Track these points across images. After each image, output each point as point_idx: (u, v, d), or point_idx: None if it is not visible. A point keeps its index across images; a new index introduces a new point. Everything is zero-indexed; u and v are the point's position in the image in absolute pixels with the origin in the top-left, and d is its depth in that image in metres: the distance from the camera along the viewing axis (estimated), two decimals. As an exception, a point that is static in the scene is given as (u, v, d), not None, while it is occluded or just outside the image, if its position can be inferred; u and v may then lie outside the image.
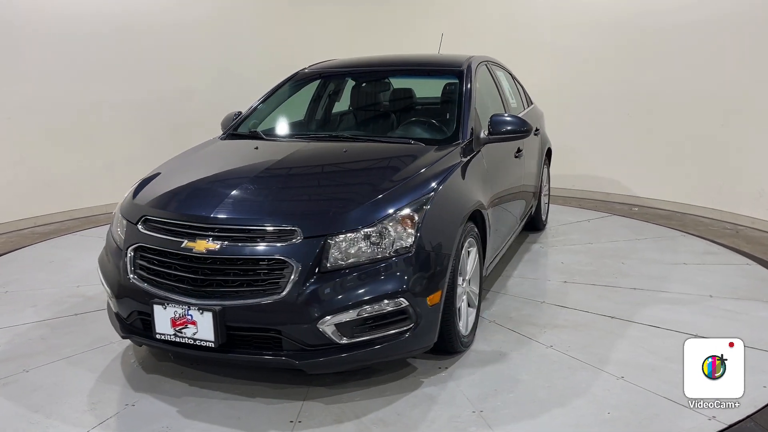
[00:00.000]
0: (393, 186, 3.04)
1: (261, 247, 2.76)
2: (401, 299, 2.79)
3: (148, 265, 2.94)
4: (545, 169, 5.84)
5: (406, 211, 2.91)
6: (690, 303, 4.02)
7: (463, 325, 3.33)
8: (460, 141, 3.66)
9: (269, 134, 4.13)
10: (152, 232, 2.99)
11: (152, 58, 7.12)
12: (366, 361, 2.91)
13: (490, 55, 5.07)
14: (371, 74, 4.70)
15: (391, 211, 2.89)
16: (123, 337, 3.08)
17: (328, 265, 2.73)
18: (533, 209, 5.39)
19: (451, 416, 2.76)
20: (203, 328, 2.73)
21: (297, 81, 4.58)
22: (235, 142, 4.05)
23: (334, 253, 2.75)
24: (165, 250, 2.89)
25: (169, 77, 7.27)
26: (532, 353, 3.36)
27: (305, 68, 4.70)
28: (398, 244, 2.84)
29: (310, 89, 4.64)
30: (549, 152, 5.96)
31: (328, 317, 2.70)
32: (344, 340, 2.76)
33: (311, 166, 3.51)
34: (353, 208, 2.87)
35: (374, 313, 2.76)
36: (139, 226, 3.04)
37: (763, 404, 2.85)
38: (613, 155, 7.25)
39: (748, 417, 2.76)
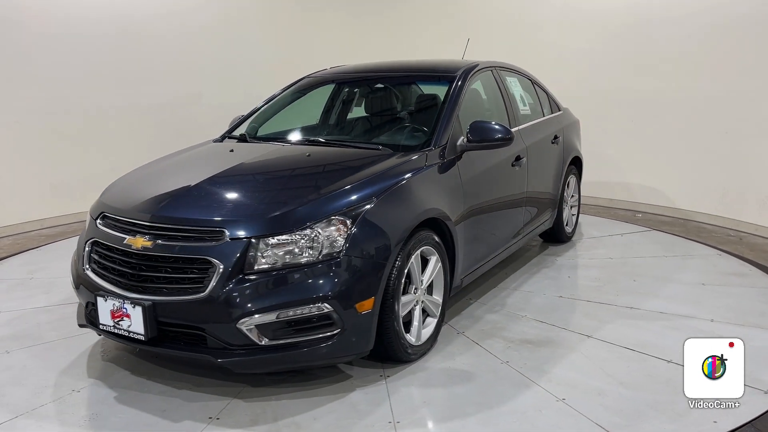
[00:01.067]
0: (331, 191, 3.05)
1: (189, 246, 2.86)
2: (324, 305, 2.79)
3: (99, 259, 3.11)
4: (572, 179, 5.61)
5: (338, 216, 2.92)
6: (683, 328, 3.73)
7: (415, 334, 3.28)
8: (431, 148, 3.61)
9: (257, 137, 4.24)
10: (105, 227, 3.16)
11: (160, 62, 7.20)
12: (290, 363, 2.94)
13: (505, 61, 4.97)
14: (364, 81, 4.72)
15: (322, 216, 2.90)
16: (80, 326, 3.26)
17: (252, 266, 2.78)
18: (550, 221, 5.20)
19: (365, 425, 2.74)
20: (136, 321, 2.86)
21: (299, 87, 4.68)
22: (221, 144, 4.19)
23: (258, 255, 2.80)
24: (111, 245, 3.05)
25: (176, 81, 7.33)
26: (483, 368, 3.26)
27: (308, 75, 4.79)
28: (327, 249, 2.85)
29: (311, 95, 4.70)
30: (578, 162, 5.72)
31: (247, 318, 2.74)
32: (265, 342, 2.80)
33: (265, 170, 3.57)
34: (282, 211, 2.91)
35: (296, 317, 2.79)
36: (97, 222, 3.22)
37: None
38: (629, 161, 7.12)
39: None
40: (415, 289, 3.29)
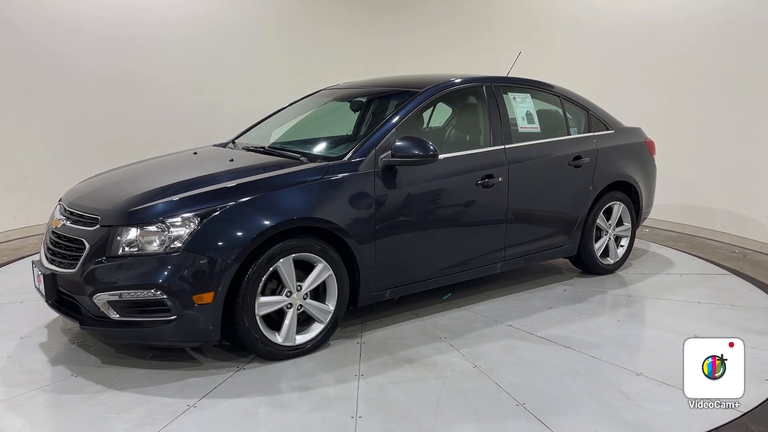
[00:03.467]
0: (196, 191, 3.39)
1: (75, 228, 3.42)
2: (157, 291, 3.15)
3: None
4: (617, 207, 5.11)
5: (188, 215, 3.24)
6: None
7: (287, 335, 3.47)
8: (343, 160, 3.74)
9: (241, 144, 4.65)
10: (56, 211, 3.87)
11: (180, 72, 7.43)
12: (138, 339, 3.33)
13: (528, 77, 4.89)
14: (348, 97, 4.86)
15: (175, 213, 3.25)
16: None
17: (111, 251, 3.25)
18: (571, 247, 4.87)
19: (162, 405, 2.99)
20: (43, 287, 3.50)
21: (303, 102, 5.04)
22: (207, 148, 4.69)
23: (117, 241, 3.24)
24: (50, 224, 3.75)
25: (196, 91, 7.52)
26: (332, 378, 3.33)
27: (312, 93, 5.13)
28: (172, 243, 3.20)
29: (314, 109, 5.00)
30: (628, 188, 5.19)
31: (100, 294, 3.21)
32: (116, 316, 3.24)
33: (179, 171, 3.94)
34: (143, 206, 3.31)
35: (136, 299, 3.19)
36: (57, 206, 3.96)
37: None
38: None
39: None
40: (290, 292, 3.47)
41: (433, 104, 4.42)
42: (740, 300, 4.55)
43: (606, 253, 5.16)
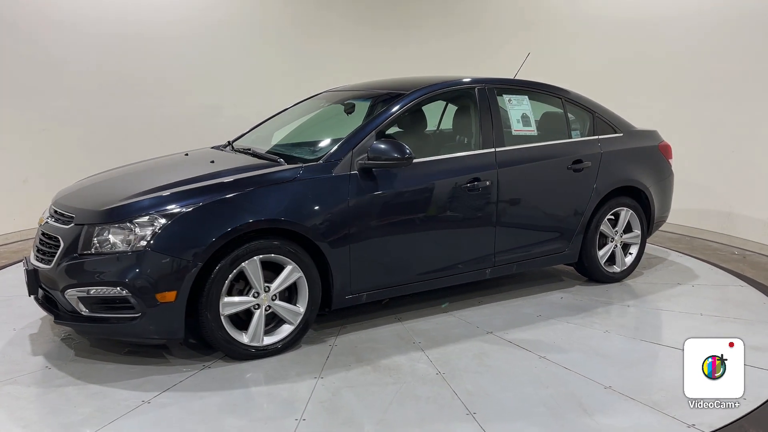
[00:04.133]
0: (162, 192, 3.47)
1: (54, 226, 3.56)
2: (121, 289, 3.25)
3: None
4: (624, 213, 4.93)
5: (155, 215, 3.32)
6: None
7: (253, 335, 3.51)
8: (317, 162, 3.76)
9: (237, 146, 4.72)
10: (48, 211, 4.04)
11: (180, 74, 7.41)
12: (107, 334, 3.46)
13: (527, 78, 4.82)
14: (343, 101, 4.85)
15: (142, 213, 3.34)
16: None
17: (82, 248, 3.36)
18: (571, 254, 4.73)
19: (118, 399, 3.07)
20: (26, 282, 3.65)
21: (303, 105, 5.08)
22: (200, 150, 4.77)
23: (87, 240, 3.35)
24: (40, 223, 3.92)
25: (196, 93, 7.51)
26: (288, 381, 3.35)
27: (312, 95, 5.16)
28: (138, 242, 3.29)
29: (316, 112, 5.02)
30: (636, 193, 5.00)
31: (70, 290, 3.34)
32: (85, 312, 3.36)
33: (160, 172, 4.03)
34: (113, 206, 3.41)
35: (102, 296, 3.30)
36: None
37: None
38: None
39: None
40: (257, 293, 3.51)
41: (419, 107, 4.36)
42: (747, 313, 4.32)
43: (613, 260, 4.98)
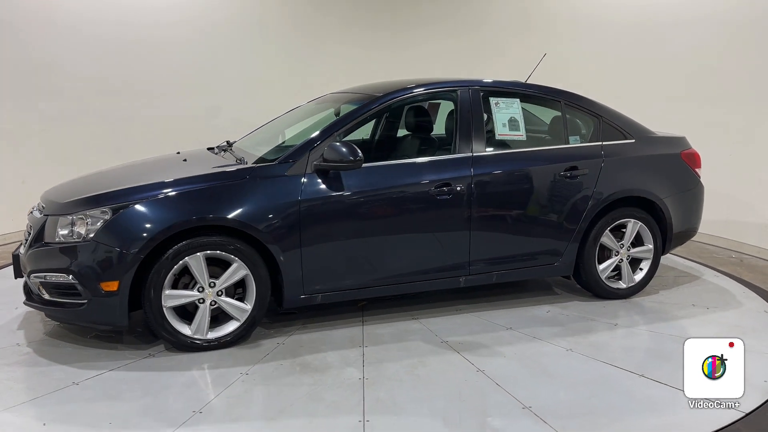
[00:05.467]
0: (116, 188, 3.68)
1: (32, 217, 3.89)
2: (68, 276, 3.50)
3: None
4: (632, 225, 4.58)
5: (105, 209, 3.54)
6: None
7: (197, 328, 3.65)
8: (272, 163, 3.84)
9: (236, 147, 4.87)
10: None
11: (178, 76, 7.42)
12: (63, 318, 3.70)
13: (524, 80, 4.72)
14: (347, 101, 4.80)
15: (93, 206, 3.57)
16: None
17: (44, 238, 3.66)
18: (563, 267, 4.48)
19: (53, 378, 3.30)
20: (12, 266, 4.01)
21: (304, 105, 5.16)
22: (197, 150, 4.93)
23: (49, 229, 3.64)
24: None
25: (196, 94, 7.50)
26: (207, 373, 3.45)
27: (312, 100, 5.22)
28: (88, 234, 3.52)
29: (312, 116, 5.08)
30: (649, 205, 4.64)
31: (32, 275, 3.65)
32: (47, 296, 3.65)
33: (137, 171, 4.25)
34: (72, 199, 3.67)
35: (55, 282, 3.57)
36: None
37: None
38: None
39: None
40: (202, 288, 3.64)
41: (388, 110, 4.32)
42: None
43: (621, 275, 4.65)
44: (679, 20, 6.61)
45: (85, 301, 3.50)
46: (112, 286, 3.47)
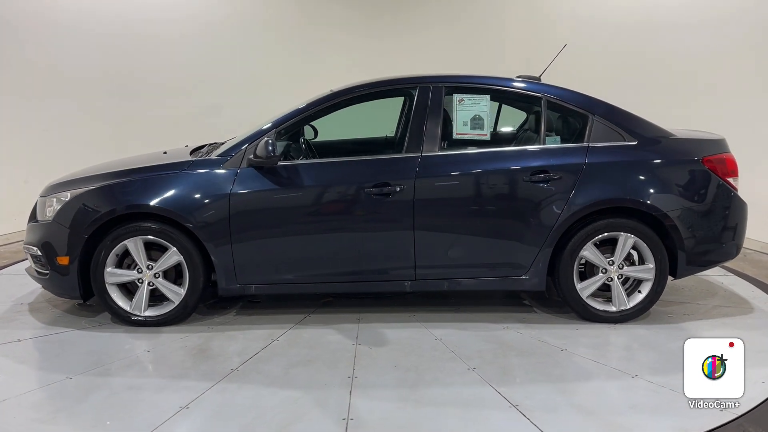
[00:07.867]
0: (84, 176, 4.19)
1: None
2: (36, 249, 4.11)
3: None
4: (625, 240, 3.98)
5: (66, 193, 4.07)
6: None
7: (135, 305, 4.03)
8: (209, 157, 4.09)
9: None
10: None
11: (181, 74, 7.39)
12: (42, 286, 4.28)
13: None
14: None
15: (60, 191, 4.12)
16: None
17: (34, 215, 4.31)
18: (532, 282, 4.06)
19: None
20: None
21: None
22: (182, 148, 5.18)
23: (36, 209, 4.29)
24: None
25: (197, 93, 7.47)
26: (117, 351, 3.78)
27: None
28: (52, 214, 4.08)
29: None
30: (651, 219, 3.99)
31: (25, 246, 4.34)
32: (39, 268, 4.28)
33: (122, 162, 4.64)
34: (52, 183, 4.27)
35: (32, 254, 4.20)
36: None
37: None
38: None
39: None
40: (140, 269, 4.02)
41: (339, 106, 4.24)
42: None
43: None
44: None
45: (47, 272, 4.07)
46: (65, 260, 3.99)
